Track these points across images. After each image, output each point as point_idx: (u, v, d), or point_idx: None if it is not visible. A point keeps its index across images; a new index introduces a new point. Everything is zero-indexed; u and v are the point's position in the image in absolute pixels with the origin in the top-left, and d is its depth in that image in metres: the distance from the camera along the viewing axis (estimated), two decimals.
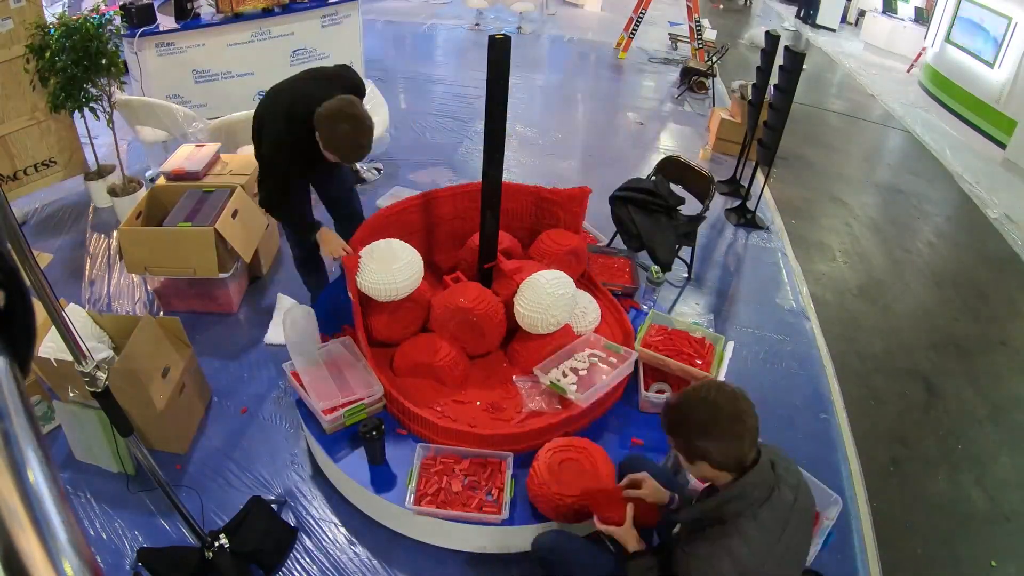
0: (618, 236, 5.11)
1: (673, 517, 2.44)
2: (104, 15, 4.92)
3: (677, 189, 5.30)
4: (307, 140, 3.48)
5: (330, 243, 3.72)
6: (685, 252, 5.34)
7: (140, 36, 6.31)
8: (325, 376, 3.45)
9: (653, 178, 5.27)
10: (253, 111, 3.72)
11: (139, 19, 6.28)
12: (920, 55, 10.93)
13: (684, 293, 5.31)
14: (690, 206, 5.17)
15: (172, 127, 5.57)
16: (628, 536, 2.58)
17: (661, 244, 4.74)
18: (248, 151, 5.04)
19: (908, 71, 11.09)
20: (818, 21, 13.94)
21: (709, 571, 2.05)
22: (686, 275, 5.39)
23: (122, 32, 5.77)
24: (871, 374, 4.82)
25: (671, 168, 5.37)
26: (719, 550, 2.05)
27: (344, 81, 3.74)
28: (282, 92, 3.66)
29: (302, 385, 3.39)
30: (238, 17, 6.79)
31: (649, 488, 2.71)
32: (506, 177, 3.69)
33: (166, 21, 6.59)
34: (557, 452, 3.11)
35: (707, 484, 2.35)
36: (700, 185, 5.18)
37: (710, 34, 10.89)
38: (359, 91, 3.77)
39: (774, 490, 2.12)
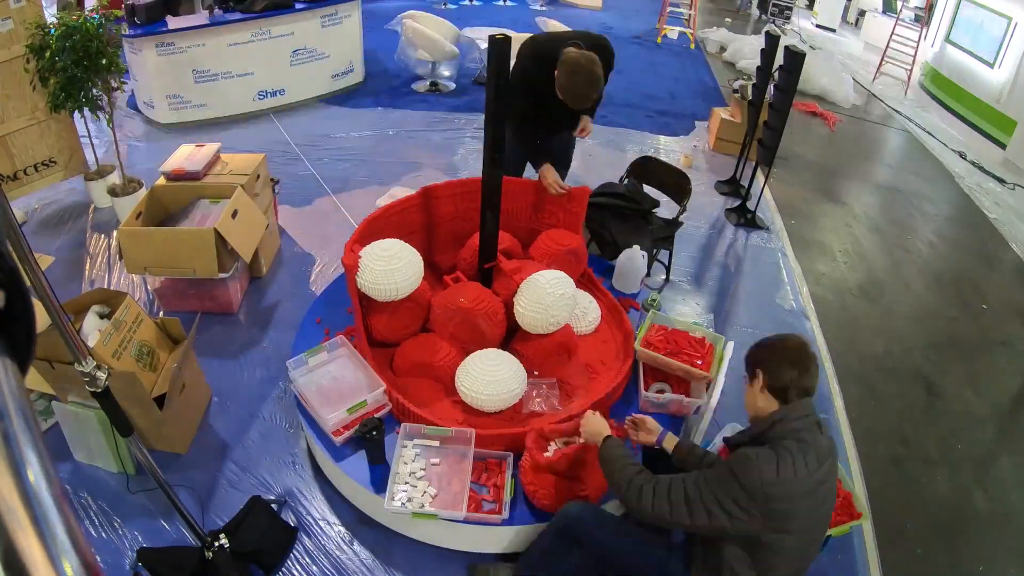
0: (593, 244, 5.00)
1: (726, 440, 2.59)
2: (105, 15, 4.91)
3: (656, 193, 5.28)
4: (546, 81, 3.98)
5: (548, 176, 4.22)
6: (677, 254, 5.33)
7: (141, 36, 6.32)
8: (329, 390, 3.46)
9: (625, 181, 5.25)
10: None
11: (146, 17, 6.32)
12: (915, 54, 10.91)
13: (684, 294, 5.30)
14: (667, 208, 5.16)
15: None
16: (598, 424, 2.91)
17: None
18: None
19: (908, 77, 11.09)
20: (818, 22, 13.96)
21: (749, 467, 2.21)
22: (664, 277, 5.37)
23: (123, 33, 5.78)
24: (871, 374, 4.82)
25: (646, 169, 5.34)
26: (765, 453, 2.23)
27: (596, 46, 4.11)
28: (544, 39, 4.31)
29: (307, 401, 3.40)
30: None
31: (650, 424, 2.97)
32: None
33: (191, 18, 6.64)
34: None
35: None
36: (677, 186, 5.14)
37: None
38: (606, 55, 4.18)
39: (816, 429, 2.34)
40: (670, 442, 2.88)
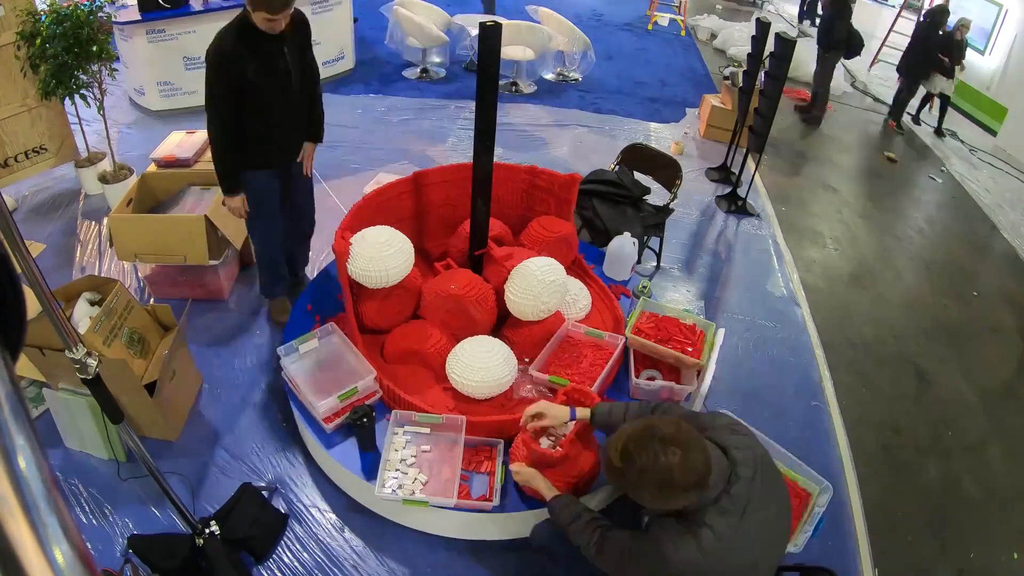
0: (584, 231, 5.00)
1: (640, 514, 2.43)
2: (95, 2, 4.89)
3: (646, 180, 5.29)
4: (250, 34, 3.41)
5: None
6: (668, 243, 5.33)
7: (132, 24, 6.30)
8: (320, 377, 3.46)
9: (616, 168, 5.25)
10: None
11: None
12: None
13: (674, 280, 5.31)
14: (658, 195, 5.17)
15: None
16: (538, 482, 2.79)
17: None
18: None
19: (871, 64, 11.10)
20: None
21: (671, 551, 2.05)
22: (654, 264, 5.38)
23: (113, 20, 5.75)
24: (862, 361, 4.84)
25: (636, 156, 5.34)
26: (686, 536, 2.06)
27: None
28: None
29: (298, 388, 3.40)
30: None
31: (550, 415, 2.90)
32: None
33: None
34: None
35: None
36: (667, 173, 5.15)
37: None
38: None
39: (731, 477, 2.12)
40: (583, 413, 2.84)
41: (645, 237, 4.94)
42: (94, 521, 3.25)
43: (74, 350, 2.12)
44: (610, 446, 2.08)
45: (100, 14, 4.90)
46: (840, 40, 8.24)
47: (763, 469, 2.21)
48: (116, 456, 3.48)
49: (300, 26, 3.69)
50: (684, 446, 1.99)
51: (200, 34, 6.80)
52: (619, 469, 2.04)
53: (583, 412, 2.84)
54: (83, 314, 3.51)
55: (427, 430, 3.26)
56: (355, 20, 8.57)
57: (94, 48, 4.82)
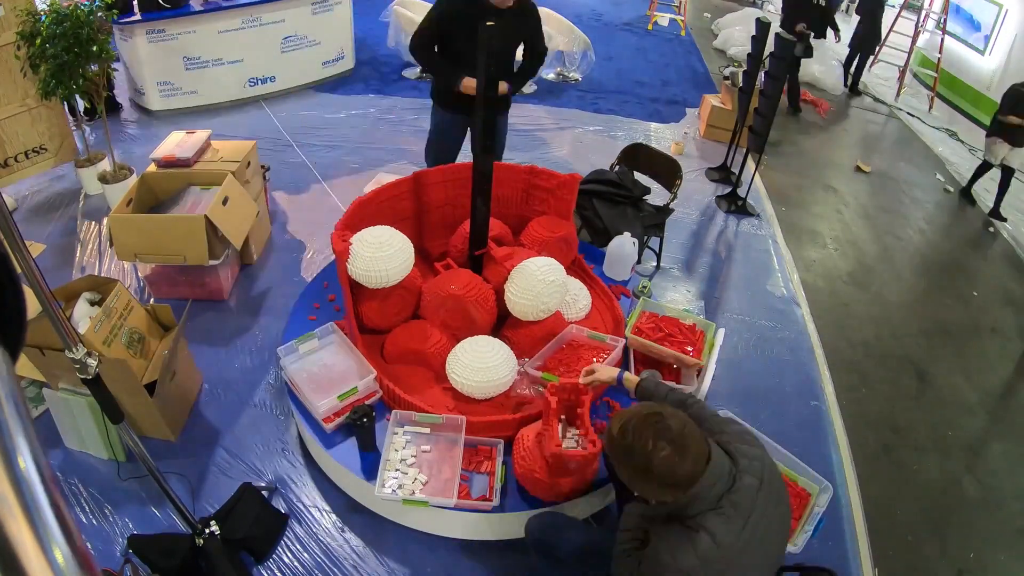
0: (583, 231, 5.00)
1: (641, 511, 2.39)
2: (95, 2, 4.89)
3: (646, 180, 5.29)
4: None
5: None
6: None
7: (132, 24, 6.30)
8: (320, 377, 3.46)
9: (616, 168, 5.25)
10: None
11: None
12: (913, 44, 10.88)
13: (674, 280, 5.31)
14: (658, 195, 5.16)
15: None
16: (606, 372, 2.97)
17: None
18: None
19: (900, 75, 11.05)
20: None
21: (670, 561, 2.04)
22: (655, 264, 5.39)
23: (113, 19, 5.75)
24: (862, 361, 4.85)
25: (636, 156, 5.34)
26: (684, 541, 2.05)
27: None
28: None
29: (298, 388, 3.40)
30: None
31: (600, 373, 2.99)
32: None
33: None
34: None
35: None
36: (667, 172, 5.15)
37: None
38: None
39: (735, 480, 2.11)
40: (630, 382, 2.85)
41: (645, 237, 4.94)
42: (94, 521, 3.25)
43: (74, 350, 2.13)
44: (618, 415, 2.13)
45: (99, 14, 4.90)
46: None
47: (769, 479, 2.20)
48: (116, 456, 3.48)
49: (525, 11, 4.36)
50: (678, 446, 2.00)
51: (200, 34, 6.80)
52: (613, 438, 2.11)
53: (631, 380, 2.85)
54: (83, 314, 3.51)
55: (427, 430, 3.26)
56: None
57: (94, 48, 4.82)
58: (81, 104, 5.57)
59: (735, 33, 11.17)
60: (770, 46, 5.98)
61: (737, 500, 2.08)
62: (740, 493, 2.10)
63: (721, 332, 3.66)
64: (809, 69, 9.94)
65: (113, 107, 6.87)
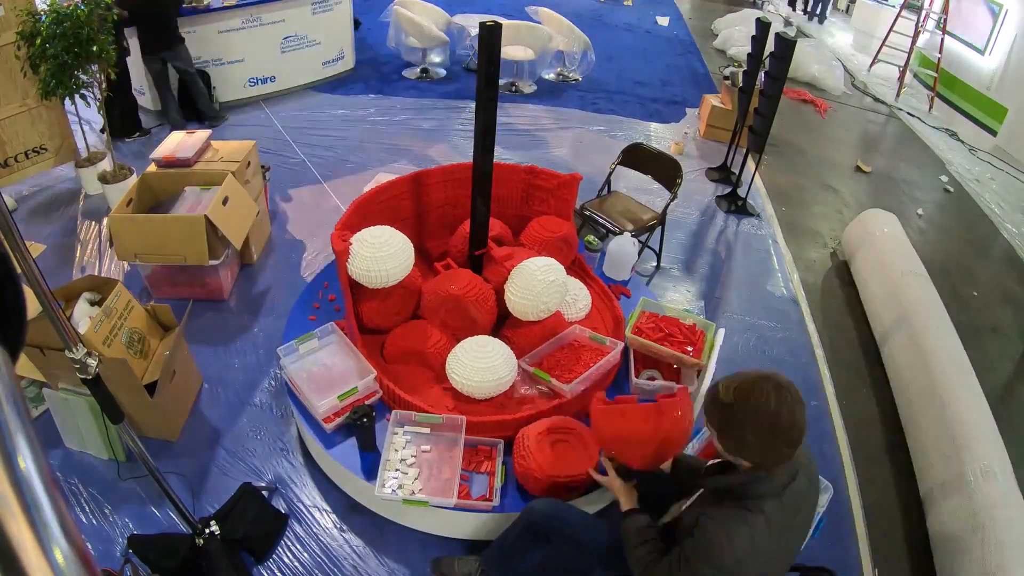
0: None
1: (699, 481, 2.41)
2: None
3: (644, 179, 5.31)
4: None
5: None
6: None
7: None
8: (319, 377, 3.46)
9: (613, 168, 5.23)
10: None
11: None
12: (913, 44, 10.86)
13: (674, 280, 5.31)
14: (658, 195, 5.15)
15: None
16: (620, 491, 2.66)
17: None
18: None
19: (901, 75, 11.01)
20: (807, 9, 13.94)
21: (725, 541, 2.05)
22: (654, 264, 5.39)
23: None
24: (862, 361, 4.84)
25: (636, 156, 5.34)
26: (740, 523, 2.07)
27: None
28: None
29: (298, 388, 3.40)
30: None
31: (617, 488, 2.70)
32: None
33: None
34: (547, 434, 3.14)
35: (718, 459, 2.38)
36: (667, 173, 5.13)
37: None
38: None
39: (796, 477, 2.14)
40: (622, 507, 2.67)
41: (645, 237, 4.94)
42: (94, 521, 3.25)
43: (74, 350, 2.13)
44: (724, 384, 2.10)
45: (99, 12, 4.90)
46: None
47: (814, 487, 2.25)
48: (116, 456, 3.48)
49: None
50: (798, 401, 2.03)
51: (200, 34, 6.80)
52: (727, 405, 2.07)
53: (624, 506, 2.66)
54: (83, 314, 3.51)
55: (427, 430, 3.26)
56: (357, 25, 8.58)
57: (94, 48, 4.83)
58: (100, 119, 5.50)
59: (735, 33, 11.16)
60: (770, 46, 5.98)
61: (794, 496, 2.13)
62: (796, 490, 2.14)
63: (721, 332, 3.66)
64: (809, 69, 9.93)
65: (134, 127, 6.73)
